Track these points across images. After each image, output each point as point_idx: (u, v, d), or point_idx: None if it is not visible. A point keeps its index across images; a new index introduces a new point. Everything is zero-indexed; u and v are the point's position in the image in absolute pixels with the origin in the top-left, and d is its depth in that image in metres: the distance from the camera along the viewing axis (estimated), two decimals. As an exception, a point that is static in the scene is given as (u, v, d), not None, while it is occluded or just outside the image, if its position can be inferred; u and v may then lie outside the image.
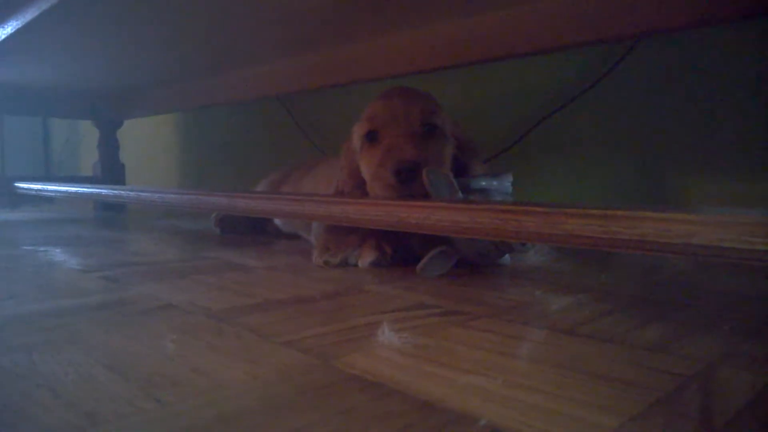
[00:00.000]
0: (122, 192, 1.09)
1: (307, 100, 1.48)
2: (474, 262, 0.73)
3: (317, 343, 0.42)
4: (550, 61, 1.00)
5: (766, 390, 0.33)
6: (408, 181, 0.67)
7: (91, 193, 1.21)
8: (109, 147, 1.82)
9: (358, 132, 0.77)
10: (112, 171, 1.81)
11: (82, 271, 0.72)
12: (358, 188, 0.79)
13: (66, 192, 1.27)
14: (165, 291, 0.60)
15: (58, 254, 0.87)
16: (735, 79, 0.81)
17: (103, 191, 1.14)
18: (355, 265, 0.75)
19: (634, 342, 0.42)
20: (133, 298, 0.57)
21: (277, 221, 1.12)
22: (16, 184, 1.54)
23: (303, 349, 0.41)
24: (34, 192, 1.45)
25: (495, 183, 0.70)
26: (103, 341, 0.42)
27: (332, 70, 1.05)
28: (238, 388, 0.33)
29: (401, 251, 0.76)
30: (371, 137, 0.74)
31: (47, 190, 1.38)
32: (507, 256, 0.73)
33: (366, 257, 0.75)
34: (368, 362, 0.38)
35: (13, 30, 0.91)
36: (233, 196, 0.83)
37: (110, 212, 1.79)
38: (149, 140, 2.10)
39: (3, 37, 0.95)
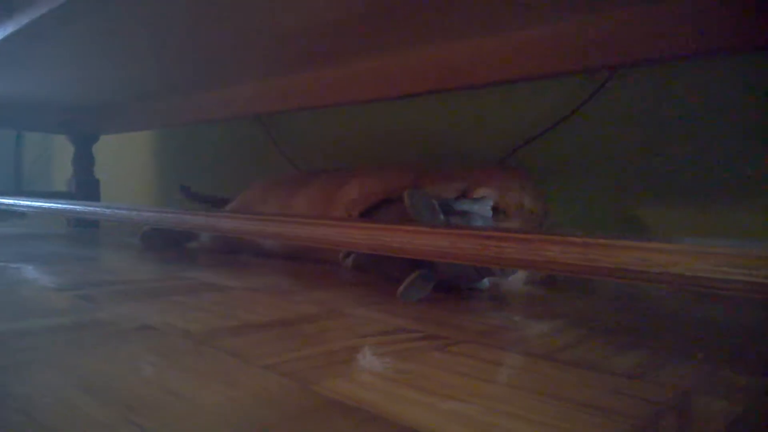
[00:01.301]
0: (98, 209, 1.08)
1: (285, 118, 1.48)
2: (453, 285, 0.74)
3: (297, 367, 0.42)
4: (531, 87, 1.02)
5: (742, 418, 0.34)
6: None
7: (66, 209, 1.18)
8: (84, 162, 1.79)
9: None
10: (86, 187, 1.79)
11: (56, 289, 0.71)
12: None
13: (39, 207, 1.25)
14: (142, 311, 0.59)
15: (30, 271, 0.85)
16: (710, 110, 0.83)
17: (78, 207, 1.12)
18: None
19: (612, 369, 0.43)
20: (109, 319, 0.56)
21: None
22: (-13, 198, 1.50)
23: (283, 372, 0.40)
24: (5, 207, 1.42)
25: (476, 207, 0.71)
26: (79, 363, 0.41)
27: (314, 92, 1.06)
28: (218, 413, 0.33)
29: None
30: None
31: (20, 205, 1.35)
32: (486, 280, 0.74)
33: None
34: (349, 387, 0.38)
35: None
36: (212, 216, 0.83)
37: (84, 228, 1.76)
38: (125, 156, 2.08)
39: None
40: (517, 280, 0.82)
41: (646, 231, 0.89)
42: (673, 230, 0.87)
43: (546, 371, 0.42)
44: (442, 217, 0.69)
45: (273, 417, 0.32)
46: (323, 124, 1.40)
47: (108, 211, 1.03)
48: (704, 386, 0.39)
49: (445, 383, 0.39)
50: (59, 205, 1.17)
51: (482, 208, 0.72)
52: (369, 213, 0.83)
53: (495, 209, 0.78)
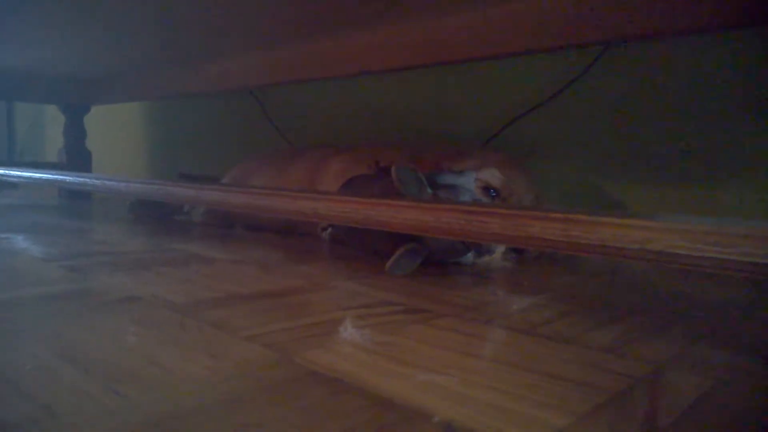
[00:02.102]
0: (88, 180, 1.07)
1: (278, 92, 1.47)
2: (440, 259, 0.74)
3: (279, 339, 0.42)
4: (520, 63, 1.01)
5: (711, 392, 0.35)
6: None
7: (56, 180, 1.18)
8: (76, 133, 1.78)
9: None
10: (78, 158, 1.78)
11: (44, 260, 0.71)
12: None
13: (30, 178, 1.24)
14: (128, 282, 0.59)
15: (20, 242, 0.85)
16: (691, 90, 0.83)
17: (68, 178, 1.12)
18: None
19: (589, 343, 0.44)
20: (95, 289, 0.56)
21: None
22: (-22, 168, 1.49)
23: (265, 344, 0.41)
24: (-4, 177, 1.41)
25: (460, 180, 0.72)
26: (63, 333, 0.42)
27: (305, 65, 1.05)
28: (197, 383, 0.33)
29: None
30: None
31: (10, 175, 1.34)
32: (469, 254, 0.74)
33: None
34: (329, 358, 0.38)
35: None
36: (201, 189, 0.83)
37: (75, 200, 1.75)
38: (117, 128, 2.06)
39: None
40: (505, 255, 0.82)
41: (628, 209, 0.90)
42: (656, 209, 0.87)
43: (524, 345, 0.43)
44: (429, 191, 0.69)
45: (250, 387, 0.33)
46: (316, 100, 1.39)
47: (98, 182, 1.03)
48: (677, 361, 0.40)
49: (425, 356, 0.40)
50: (49, 176, 1.17)
51: (467, 182, 0.72)
52: (356, 185, 0.83)
53: (494, 191, 0.78)
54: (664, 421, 0.30)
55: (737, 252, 0.36)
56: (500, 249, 0.79)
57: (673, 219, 0.40)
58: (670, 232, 0.38)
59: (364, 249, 0.84)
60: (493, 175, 0.79)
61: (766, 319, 0.54)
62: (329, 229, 0.93)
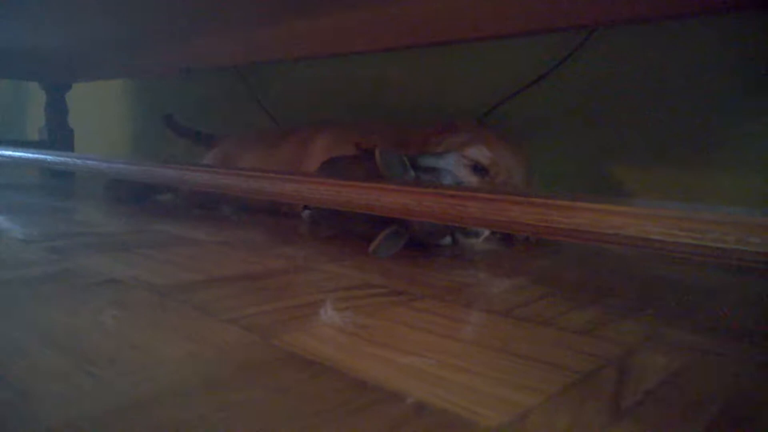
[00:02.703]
0: (69, 159, 1.06)
1: (265, 71, 1.46)
2: (423, 241, 0.75)
3: (260, 321, 0.43)
4: (509, 45, 1.01)
5: (678, 373, 0.36)
6: None
7: (36, 159, 1.17)
8: (57, 111, 1.75)
9: None
10: (60, 136, 1.75)
11: (25, 241, 0.71)
12: None
13: (9, 156, 1.23)
14: (109, 264, 0.59)
15: (0, 222, 0.84)
16: (686, 71, 0.84)
17: (49, 157, 1.11)
18: None
19: (565, 325, 0.45)
20: (75, 271, 0.56)
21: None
22: (-43, 147, 1.47)
23: (245, 326, 0.41)
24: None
25: (441, 162, 0.72)
26: (41, 315, 0.42)
27: (290, 43, 1.04)
28: (176, 365, 0.34)
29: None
30: None
31: (-11, 154, 1.32)
32: (449, 237, 0.75)
33: None
34: (309, 341, 0.39)
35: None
36: (185, 169, 0.82)
37: (57, 179, 1.73)
38: (101, 106, 2.03)
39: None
40: (493, 237, 0.83)
41: (621, 191, 0.91)
42: (649, 191, 0.88)
43: (502, 327, 0.44)
44: (413, 173, 0.69)
45: (228, 369, 0.33)
46: (304, 79, 1.38)
47: (79, 161, 1.02)
48: (648, 342, 0.41)
49: (403, 338, 0.40)
50: (28, 155, 1.16)
51: (448, 164, 0.72)
52: (337, 166, 0.83)
53: (482, 168, 0.78)
54: (630, 400, 0.31)
55: (709, 238, 0.37)
56: (485, 232, 0.79)
57: (648, 204, 0.41)
58: (645, 218, 0.39)
59: (344, 231, 0.84)
60: (481, 153, 0.79)
61: (737, 303, 0.55)
62: (307, 211, 0.93)
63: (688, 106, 0.83)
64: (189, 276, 0.56)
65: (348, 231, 0.82)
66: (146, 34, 1.22)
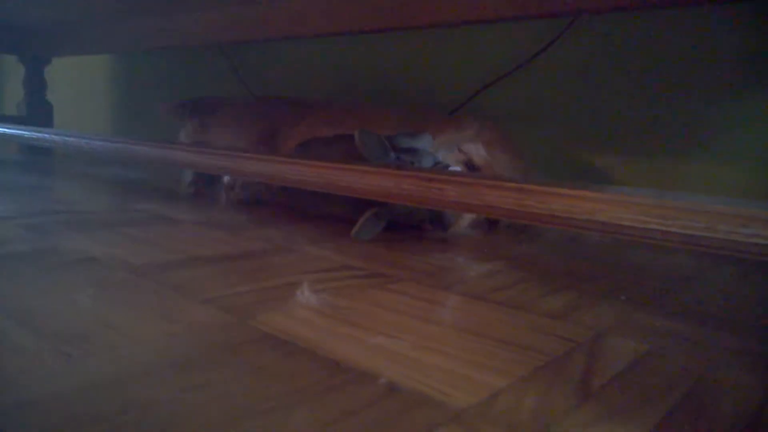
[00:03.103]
0: (47, 135, 1.05)
1: (250, 51, 1.44)
2: (403, 222, 0.75)
3: (236, 302, 0.43)
4: (493, 31, 1.01)
5: (645, 357, 0.36)
6: None
7: (13, 134, 1.15)
8: (36, 85, 1.72)
9: None
10: (38, 111, 1.72)
11: (1, 218, 0.70)
12: None
13: (-14, 132, 1.21)
14: (87, 243, 0.59)
15: (-25, 199, 0.83)
16: (666, 61, 0.84)
17: (26, 133, 1.09)
18: None
19: (539, 309, 0.45)
20: (52, 249, 0.55)
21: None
22: (-69, 121, 1.44)
23: (221, 307, 0.41)
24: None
25: (420, 144, 0.72)
26: (16, 294, 0.42)
27: (275, 22, 1.03)
28: (150, 345, 0.34)
29: None
30: None
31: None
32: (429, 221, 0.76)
33: None
34: (285, 322, 0.39)
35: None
36: (163, 147, 0.81)
37: (35, 156, 1.70)
38: (82, 81, 2.00)
39: None
40: (476, 222, 0.84)
41: (598, 179, 0.92)
42: (626, 179, 0.89)
43: (477, 311, 0.44)
44: (392, 155, 0.69)
45: (203, 350, 0.34)
46: (289, 59, 1.37)
47: (57, 138, 1.01)
48: (619, 327, 0.42)
49: (379, 320, 0.41)
50: (5, 130, 1.14)
51: (426, 144, 0.72)
52: (312, 148, 0.83)
53: (475, 168, 0.79)
54: (597, 382, 0.32)
55: (678, 224, 0.38)
56: (468, 216, 0.80)
57: (620, 191, 0.41)
58: (616, 204, 0.40)
59: (317, 211, 0.84)
60: (477, 152, 0.79)
61: (710, 289, 0.57)
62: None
63: (673, 94, 0.84)
64: (167, 256, 0.55)
65: (323, 212, 0.82)
66: (127, 9, 1.20)
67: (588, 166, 0.93)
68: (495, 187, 0.46)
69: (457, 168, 0.77)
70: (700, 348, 0.39)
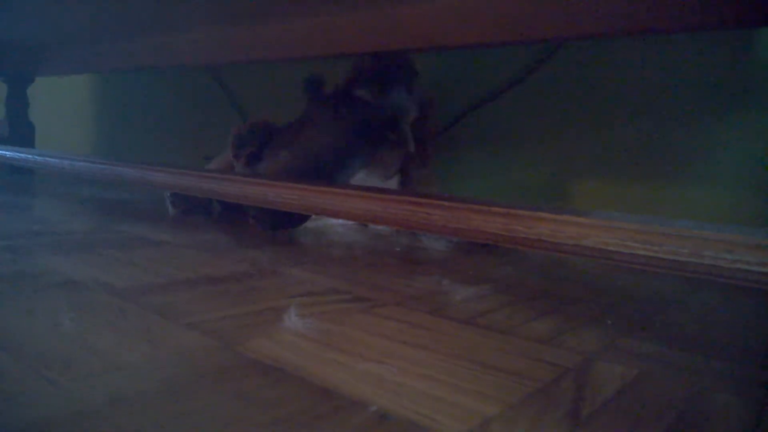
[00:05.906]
0: (28, 156, 1.03)
1: (241, 73, 1.44)
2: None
3: (221, 326, 0.42)
4: (479, 55, 1.02)
5: (635, 382, 0.37)
6: None
7: (-6, 155, 1.13)
8: (18, 104, 1.70)
9: None
10: (20, 130, 1.70)
11: (-22, 239, 0.68)
12: None
13: (-35, 151, 1.19)
14: (68, 265, 0.58)
15: (-48, 219, 0.81)
16: (655, 87, 0.86)
17: (8, 153, 1.08)
18: None
19: (526, 334, 0.45)
20: (32, 272, 0.54)
21: None
22: None
23: (206, 331, 0.41)
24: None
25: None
26: (-6, 317, 0.41)
27: (264, 44, 1.04)
28: (134, 370, 0.33)
29: None
30: None
31: (-56, 148, 1.27)
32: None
33: None
34: (271, 347, 0.39)
35: None
36: (147, 170, 0.81)
37: (16, 175, 1.68)
38: (65, 101, 1.98)
39: None
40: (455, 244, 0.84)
41: (585, 204, 0.93)
42: (613, 205, 0.90)
43: (463, 335, 0.44)
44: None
45: (188, 375, 0.33)
46: (281, 82, 1.37)
47: (39, 158, 1.00)
48: (606, 352, 0.42)
49: (366, 345, 0.40)
50: (-14, 151, 1.12)
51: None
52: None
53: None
54: (587, 409, 0.32)
55: (664, 250, 0.38)
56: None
57: (606, 216, 0.42)
58: (602, 230, 0.40)
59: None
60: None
61: (696, 314, 0.57)
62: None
63: (657, 119, 0.86)
64: (150, 278, 0.55)
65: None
66: (111, 28, 1.20)
67: (577, 192, 0.94)
68: (482, 212, 0.47)
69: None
70: (687, 372, 0.39)
